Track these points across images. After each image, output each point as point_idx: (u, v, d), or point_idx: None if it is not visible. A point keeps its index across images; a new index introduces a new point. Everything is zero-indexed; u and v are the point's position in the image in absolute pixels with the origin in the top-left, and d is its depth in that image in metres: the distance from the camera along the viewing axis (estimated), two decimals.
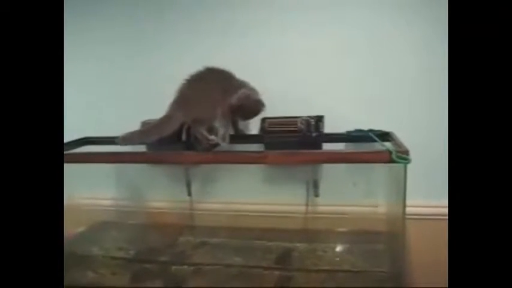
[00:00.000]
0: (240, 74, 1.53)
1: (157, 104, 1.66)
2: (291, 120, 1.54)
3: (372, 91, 1.58)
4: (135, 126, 1.65)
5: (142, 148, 1.60)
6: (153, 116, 1.66)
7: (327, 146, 1.54)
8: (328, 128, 1.55)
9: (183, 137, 1.47)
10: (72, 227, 1.74)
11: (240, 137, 1.59)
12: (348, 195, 1.59)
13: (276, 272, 1.47)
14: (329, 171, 1.61)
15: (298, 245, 1.63)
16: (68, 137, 1.64)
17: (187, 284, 1.47)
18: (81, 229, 1.79)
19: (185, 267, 1.55)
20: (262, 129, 1.56)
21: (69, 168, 1.49)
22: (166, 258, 1.63)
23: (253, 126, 1.59)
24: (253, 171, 1.71)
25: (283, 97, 1.64)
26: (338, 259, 1.55)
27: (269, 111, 1.58)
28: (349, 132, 1.54)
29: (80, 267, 1.61)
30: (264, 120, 1.57)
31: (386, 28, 1.55)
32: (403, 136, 1.35)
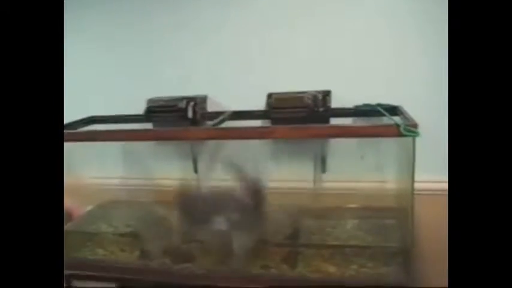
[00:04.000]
0: (248, 49, 1.53)
1: (162, 82, 1.67)
2: (297, 95, 1.52)
3: (381, 65, 1.55)
4: (141, 104, 1.65)
5: (149, 126, 1.60)
6: (157, 94, 1.66)
7: (335, 121, 1.52)
8: (335, 102, 1.52)
9: (189, 113, 1.46)
10: (81, 206, 1.75)
11: (246, 113, 1.58)
12: (356, 170, 1.57)
13: (285, 248, 1.47)
14: (337, 147, 1.59)
15: (306, 221, 1.62)
16: (74, 117, 1.64)
17: (195, 261, 1.48)
18: (90, 207, 1.80)
19: (192, 244, 1.55)
20: (268, 104, 1.55)
21: (76, 147, 1.51)
22: (175, 236, 1.64)
23: (260, 102, 1.58)
24: (260, 147, 1.69)
25: (289, 72, 1.62)
26: (346, 235, 1.55)
27: (276, 87, 1.57)
28: (357, 107, 1.52)
29: (90, 245, 1.63)
30: (270, 95, 1.56)
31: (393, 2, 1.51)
32: (412, 110, 1.32)
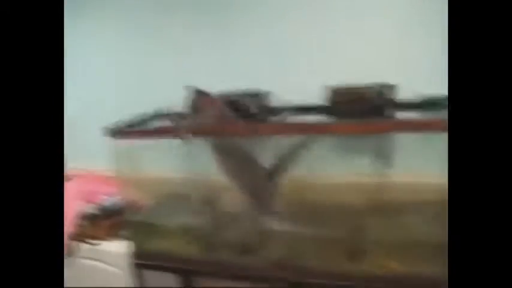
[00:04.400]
0: (310, 42, 1.53)
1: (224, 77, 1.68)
2: (360, 88, 1.49)
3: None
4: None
5: None
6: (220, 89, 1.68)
7: (400, 115, 1.48)
8: (399, 95, 1.49)
9: (252, 109, 1.47)
10: (145, 199, 1.82)
11: (308, 107, 1.58)
12: (423, 164, 1.52)
13: (349, 244, 1.46)
14: (402, 140, 1.55)
15: (371, 216, 1.60)
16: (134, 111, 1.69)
17: (259, 254, 1.51)
18: (154, 201, 1.85)
19: (256, 237, 1.57)
20: (330, 99, 1.53)
21: (141, 143, 1.56)
22: (236, 228, 1.67)
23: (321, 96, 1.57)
24: (321, 141, 1.68)
25: (350, 64, 1.60)
26: (413, 231, 1.51)
27: (337, 79, 1.55)
28: (423, 100, 1.47)
29: (157, 236, 1.69)
30: (332, 89, 1.54)
31: None
32: None
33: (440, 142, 1.49)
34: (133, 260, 1.65)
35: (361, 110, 1.47)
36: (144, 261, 1.65)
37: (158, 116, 1.76)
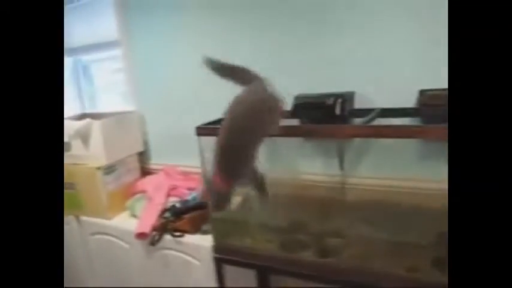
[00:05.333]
0: (396, 44, 1.47)
1: (309, 79, 1.66)
2: None
3: None
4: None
5: (295, 122, 1.63)
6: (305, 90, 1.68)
7: None
8: None
9: (337, 110, 1.46)
10: None
11: (396, 110, 1.54)
12: None
13: (430, 251, 1.41)
14: None
15: None
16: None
17: (339, 256, 1.49)
18: (239, 198, 1.89)
19: (336, 239, 1.56)
20: (421, 102, 1.49)
21: None
22: (318, 230, 1.66)
23: (410, 100, 1.53)
24: (408, 145, 1.63)
25: (442, 67, 1.54)
26: None
27: (424, 84, 1.50)
28: None
29: (236, 233, 1.73)
30: (422, 92, 1.49)
31: None
32: None
33: None
34: (214, 254, 1.70)
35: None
36: (224, 256, 1.69)
37: None
